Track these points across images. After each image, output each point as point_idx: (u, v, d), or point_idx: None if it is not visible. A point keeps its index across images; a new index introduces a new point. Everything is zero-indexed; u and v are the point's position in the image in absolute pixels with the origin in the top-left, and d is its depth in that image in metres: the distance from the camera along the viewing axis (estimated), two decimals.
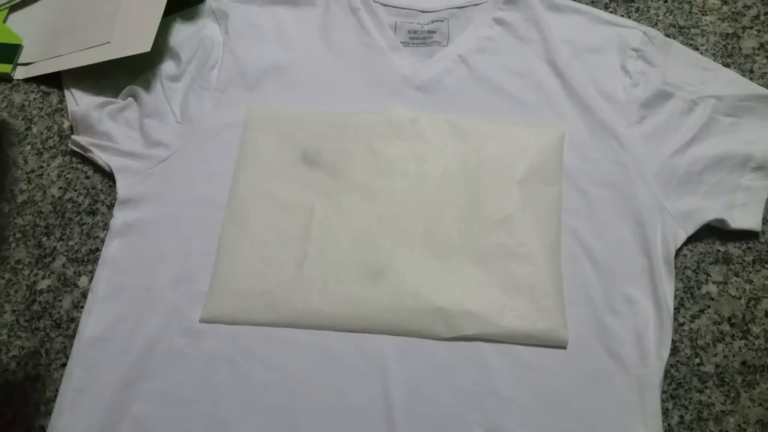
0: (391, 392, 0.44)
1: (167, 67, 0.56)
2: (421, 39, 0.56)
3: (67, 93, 0.57)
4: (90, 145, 0.53)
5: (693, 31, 0.58)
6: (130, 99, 0.55)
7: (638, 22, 0.57)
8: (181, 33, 0.58)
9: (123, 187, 0.52)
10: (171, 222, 0.50)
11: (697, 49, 0.57)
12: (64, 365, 0.46)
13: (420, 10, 0.56)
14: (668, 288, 0.46)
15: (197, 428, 0.43)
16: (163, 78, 0.55)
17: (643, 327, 0.45)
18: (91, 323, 0.47)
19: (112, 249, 0.49)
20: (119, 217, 0.50)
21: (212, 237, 0.49)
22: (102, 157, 0.53)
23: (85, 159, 0.55)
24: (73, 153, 0.56)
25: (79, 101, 0.56)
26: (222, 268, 0.48)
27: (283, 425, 0.43)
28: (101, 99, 0.55)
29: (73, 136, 0.54)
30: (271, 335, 0.46)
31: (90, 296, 0.48)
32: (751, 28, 0.58)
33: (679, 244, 0.48)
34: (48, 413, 0.45)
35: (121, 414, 0.44)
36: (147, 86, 0.55)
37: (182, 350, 0.45)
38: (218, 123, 0.53)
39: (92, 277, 0.50)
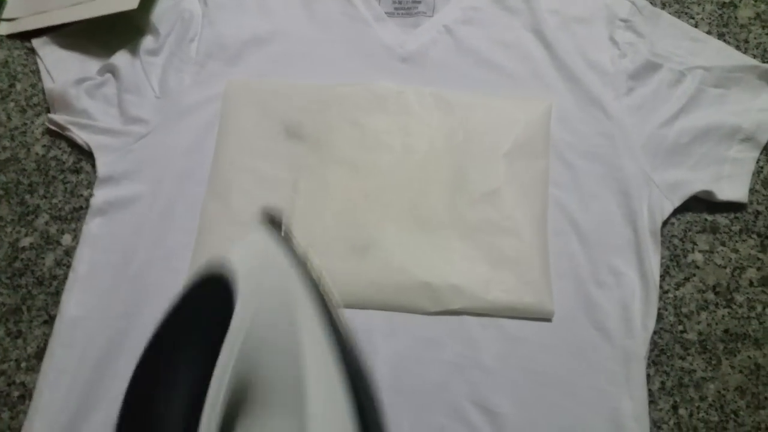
0: (378, 366, 0.45)
1: (145, 41, 0.57)
2: (405, 9, 0.56)
3: (42, 70, 0.58)
4: (68, 124, 0.54)
5: None
6: (108, 75, 0.56)
7: None
8: (160, 6, 0.58)
9: (103, 164, 0.52)
10: (152, 199, 0.51)
11: (692, 19, 0.57)
12: (45, 322, 0.47)
13: None
14: (654, 260, 0.48)
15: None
16: (141, 52, 0.56)
17: (629, 299, 0.46)
18: (72, 302, 0.48)
19: (93, 227, 0.50)
20: (99, 195, 0.51)
21: (194, 214, 0.50)
22: (81, 136, 0.54)
23: None
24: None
25: (56, 78, 0.57)
26: (203, 245, 0.49)
27: None
28: (78, 76, 0.55)
29: (50, 115, 0.55)
30: None
31: (71, 275, 0.49)
32: None
33: (666, 216, 0.50)
34: (29, 369, 0.46)
35: (102, 393, 0.45)
36: (125, 61, 0.56)
37: None
38: (198, 97, 0.54)
39: (75, 234, 0.50)
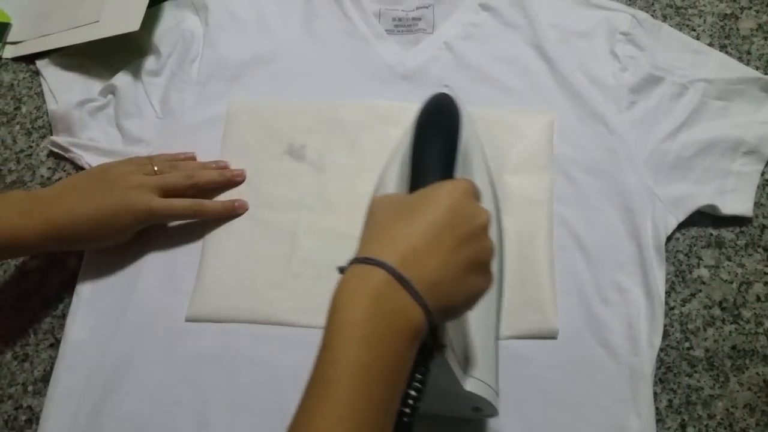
0: None
1: (147, 61, 0.57)
2: (406, 26, 0.57)
3: (45, 91, 0.59)
4: (70, 146, 0.55)
5: (690, 11, 0.58)
6: (110, 96, 0.57)
7: (634, 2, 0.57)
8: (161, 27, 0.59)
9: None
10: None
11: (693, 31, 0.57)
12: (51, 345, 0.47)
13: None
14: (659, 275, 0.48)
15: (185, 428, 0.44)
16: (143, 73, 0.57)
17: (634, 315, 0.47)
18: (76, 325, 0.48)
19: (94, 249, 0.51)
20: None
21: (197, 234, 0.50)
22: (83, 157, 0.54)
23: None
24: None
25: (59, 98, 0.58)
26: (207, 266, 0.49)
27: (272, 424, 0.44)
28: (80, 97, 0.56)
29: (53, 137, 0.56)
30: (258, 333, 0.47)
31: (75, 298, 0.49)
32: (750, 8, 0.58)
33: (670, 231, 0.50)
34: (36, 393, 0.46)
35: (108, 416, 0.45)
36: (126, 82, 0.57)
37: (168, 350, 0.47)
38: (200, 118, 0.55)
39: (80, 257, 0.50)
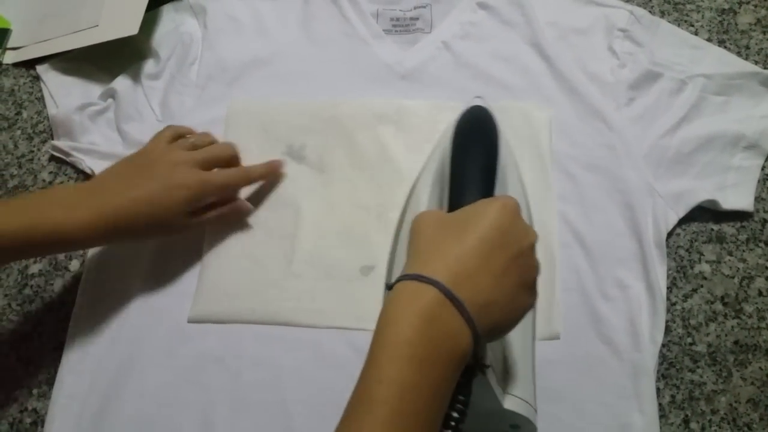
0: None
1: (146, 65, 0.58)
2: (403, 26, 0.57)
3: (46, 95, 0.59)
4: (71, 150, 0.55)
5: (688, 6, 0.58)
6: (110, 100, 0.57)
7: None
8: (160, 30, 0.60)
9: None
10: None
11: (692, 26, 0.57)
12: (55, 348, 0.48)
13: None
14: (660, 271, 0.48)
15: (189, 429, 0.45)
16: (142, 76, 0.57)
17: (636, 312, 0.46)
18: (79, 328, 0.49)
19: (97, 252, 0.51)
20: None
21: (199, 236, 0.51)
22: (84, 161, 0.55)
23: None
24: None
25: (59, 102, 0.58)
26: (209, 267, 0.50)
27: (276, 424, 0.45)
28: (81, 101, 0.57)
29: (53, 142, 0.57)
30: (260, 334, 0.47)
31: (78, 301, 0.50)
32: (748, 3, 0.58)
33: (671, 226, 0.50)
34: (41, 396, 0.47)
35: (112, 418, 0.45)
36: (126, 85, 0.57)
37: (171, 351, 0.47)
38: (199, 120, 0.55)
39: (83, 260, 0.50)
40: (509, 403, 0.36)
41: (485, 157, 0.40)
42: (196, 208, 0.46)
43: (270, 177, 0.51)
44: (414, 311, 0.29)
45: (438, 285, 0.29)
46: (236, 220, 0.50)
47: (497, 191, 0.39)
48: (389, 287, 0.30)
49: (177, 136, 0.49)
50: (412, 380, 0.28)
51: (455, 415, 0.30)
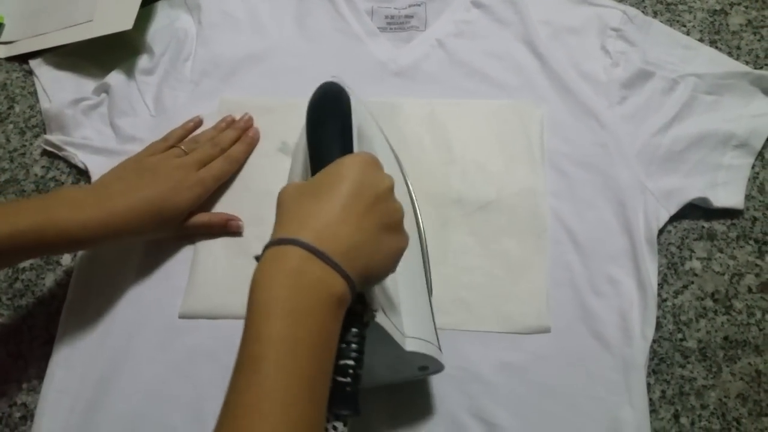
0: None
1: (140, 60, 0.58)
2: (398, 24, 0.57)
3: (39, 90, 0.59)
4: (64, 144, 0.55)
5: (680, 7, 0.59)
6: (103, 95, 0.57)
7: None
8: (154, 26, 0.60)
9: None
10: None
11: (684, 26, 0.57)
12: (46, 342, 0.48)
13: None
14: (651, 268, 0.48)
15: (180, 424, 0.45)
16: (136, 72, 0.57)
17: (627, 307, 0.47)
18: (70, 323, 0.48)
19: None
20: None
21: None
22: (77, 155, 0.55)
23: None
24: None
25: (52, 97, 0.58)
26: (201, 263, 0.50)
27: None
28: (74, 96, 0.57)
29: (46, 136, 0.57)
30: None
31: (69, 296, 0.50)
32: (739, 4, 0.59)
33: (662, 223, 0.50)
34: (30, 390, 0.46)
35: (103, 412, 0.45)
36: (120, 80, 0.57)
37: (162, 346, 0.47)
38: (193, 115, 0.55)
39: (75, 255, 0.50)
40: (411, 345, 0.37)
41: (339, 123, 0.41)
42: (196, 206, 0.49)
43: (251, 147, 0.53)
44: (280, 270, 0.30)
45: (298, 242, 0.30)
46: (224, 235, 0.50)
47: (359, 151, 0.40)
48: (257, 259, 0.31)
49: (168, 146, 0.51)
50: (290, 332, 0.28)
51: (350, 363, 0.30)
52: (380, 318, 0.34)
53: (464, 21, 0.57)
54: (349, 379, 0.30)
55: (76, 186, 0.54)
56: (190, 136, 0.53)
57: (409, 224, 0.36)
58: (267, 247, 0.31)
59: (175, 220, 0.48)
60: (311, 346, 0.29)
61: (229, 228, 0.50)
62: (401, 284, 0.39)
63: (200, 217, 0.50)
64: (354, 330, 0.31)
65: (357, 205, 0.32)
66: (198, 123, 0.54)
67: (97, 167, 0.53)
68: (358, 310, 0.32)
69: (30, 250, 0.43)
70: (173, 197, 0.47)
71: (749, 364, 0.46)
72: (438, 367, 0.40)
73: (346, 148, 0.40)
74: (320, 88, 0.45)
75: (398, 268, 0.35)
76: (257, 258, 0.31)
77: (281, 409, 0.27)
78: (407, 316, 0.38)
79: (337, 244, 0.30)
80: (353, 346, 0.31)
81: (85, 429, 0.44)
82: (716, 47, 0.57)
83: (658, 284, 0.48)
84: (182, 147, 0.51)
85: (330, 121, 0.42)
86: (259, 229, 0.50)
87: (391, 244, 0.34)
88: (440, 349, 0.39)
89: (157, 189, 0.46)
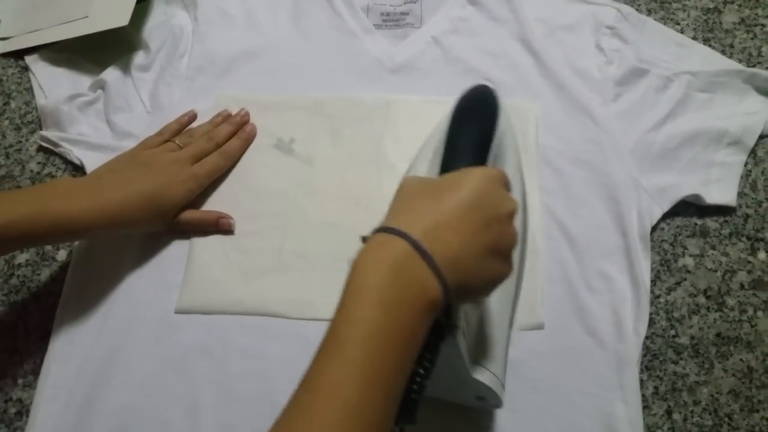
0: None
1: (136, 56, 0.58)
2: (394, 21, 0.58)
3: (35, 86, 0.59)
4: (60, 140, 0.55)
5: (674, 5, 0.59)
6: (99, 91, 0.57)
7: None
8: (151, 22, 0.60)
9: None
10: None
11: (678, 24, 0.58)
12: (41, 338, 0.48)
13: None
14: (644, 264, 0.49)
15: (175, 419, 0.45)
16: (132, 68, 0.57)
17: (620, 303, 0.47)
18: (66, 318, 0.49)
19: (83, 243, 0.51)
20: None
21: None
22: (73, 151, 0.55)
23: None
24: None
25: (48, 94, 0.58)
26: (197, 258, 0.50)
27: (262, 414, 0.44)
28: (70, 92, 0.57)
29: (42, 132, 0.57)
30: (248, 324, 0.47)
31: (65, 291, 0.50)
32: (732, 2, 0.59)
33: (655, 220, 0.51)
34: (26, 386, 0.46)
35: (98, 407, 0.45)
36: (116, 77, 0.57)
37: (158, 341, 0.47)
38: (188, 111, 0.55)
39: (71, 250, 0.50)
40: (478, 374, 0.37)
41: (481, 131, 0.41)
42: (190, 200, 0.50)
43: (245, 142, 0.53)
44: (381, 259, 0.30)
45: (406, 237, 0.30)
46: (216, 233, 0.50)
47: (491, 164, 0.40)
48: (363, 240, 0.31)
49: (163, 140, 0.52)
50: (380, 322, 0.28)
51: (421, 371, 0.30)
52: (459, 337, 0.34)
53: (460, 18, 0.58)
54: (416, 386, 0.30)
55: (70, 178, 0.54)
56: (185, 130, 0.53)
57: (515, 252, 0.35)
58: (375, 232, 0.31)
59: (168, 214, 0.48)
60: (398, 340, 0.29)
61: (220, 226, 0.50)
62: (488, 311, 0.39)
63: (192, 214, 0.50)
64: (433, 340, 0.31)
65: (474, 219, 0.32)
66: (192, 117, 0.54)
67: (93, 163, 0.53)
68: (442, 321, 0.31)
69: (24, 241, 0.44)
70: (166, 191, 0.47)
71: (741, 360, 0.46)
72: (497, 403, 0.39)
73: (481, 159, 0.39)
74: (474, 89, 0.44)
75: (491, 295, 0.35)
76: (364, 239, 0.31)
77: (358, 396, 0.27)
78: (484, 343, 0.38)
79: (443, 250, 0.30)
80: (427, 355, 0.31)
81: (80, 424, 0.45)
82: (710, 45, 0.57)
83: (651, 281, 0.48)
84: (177, 141, 0.51)
85: (475, 125, 0.41)
86: (253, 225, 0.50)
87: (495, 269, 0.33)
88: (503, 386, 0.39)
89: (150, 182, 0.47)
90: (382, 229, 0.31)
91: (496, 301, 0.35)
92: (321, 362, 0.28)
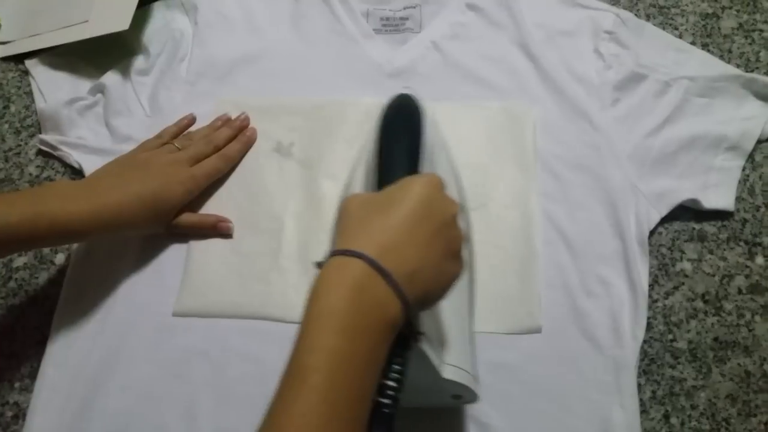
0: None
1: (136, 61, 0.58)
2: (393, 26, 0.58)
3: (35, 90, 0.59)
4: (59, 144, 0.55)
5: (673, 11, 0.59)
6: (98, 95, 0.58)
7: (618, 1, 0.58)
8: (151, 26, 0.60)
9: None
10: None
11: (676, 29, 0.58)
12: (39, 342, 0.48)
13: None
14: (642, 269, 0.49)
15: (173, 423, 0.45)
16: (132, 72, 0.58)
17: (618, 308, 0.47)
18: (63, 322, 0.49)
19: (82, 246, 0.51)
20: None
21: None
22: (72, 155, 0.55)
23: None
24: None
25: (47, 97, 0.58)
26: (195, 262, 0.50)
27: (260, 418, 0.44)
28: (69, 96, 0.57)
29: (41, 136, 0.57)
30: (246, 328, 0.47)
31: (62, 295, 0.50)
32: (731, 8, 0.59)
33: (653, 225, 0.51)
34: (23, 389, 0.46)
35: (95, 411, 0.45)
36: (115, 81, 0.57)
37: (156, 345, 0.47)
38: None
39: (69, 254, 0.50)
40: (448, 373, 0.37)
41: (410, 139, 0.41)
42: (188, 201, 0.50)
43: (245, 146, 0.53)
44: (341, 283, 0.29)
45: (364, 257, 0.30)
46: (214, 236, 0.50)
47: (425, 170, 0.40)
48: (319, 266, 0.31)
49: (162, 143, 0.52)
50: (343, 348, 0.28)
51: (391, 384, 0.30)
52: (424, 343, 0.34)
53: (459, 23, 0.58)
54: (388, 401, 0.30)
55: (68, 180, 0.55)
56: (185, 133, 0.54)
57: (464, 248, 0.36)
58: (331, 255, 0.31)
59: (166, 215, 0.48)
60: (362, 365, 0.29)
61: (219, 229, 0.50)
62: (445, 310, 0.39)
63: (191, 217, 0.50)
64: (398, 352, 0.31)
65: (424, 229, 0.32)
66: (192, 120, 0.55)
67: (92, 167, 0.53)
68: (404, 332, 0.32)
69: (22, 243, 0.44)
70: (164, 192, 0.47)
71: (739, 364, 0.46)
72: (472, 398, 0.39)
73: (415, 167, 0.40)
74: (396, 99, 0.45)
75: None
76: (319, 264, 0.31)
77: (326, 425, 0.27)
78: (447, 342, 0.38)
79: (400, 265, 0.30)
80: (395, 367, 0.31)
81: (77, 428, 0.45)
82: (708, 50, 0.58)
83: (649, 285, 0.48)
84: (176, 144, 0.51)
85: (403, 136, 0.42)
86: (252, 229, 0.50)
87: (449, 271, 0.34)
88: (477, 380, 0.39)
89: (148, 184, 0.47)
90: (338, 252, 0.31)
91: (452, 298, 0.35)
92: (286, 394, 0.28)
